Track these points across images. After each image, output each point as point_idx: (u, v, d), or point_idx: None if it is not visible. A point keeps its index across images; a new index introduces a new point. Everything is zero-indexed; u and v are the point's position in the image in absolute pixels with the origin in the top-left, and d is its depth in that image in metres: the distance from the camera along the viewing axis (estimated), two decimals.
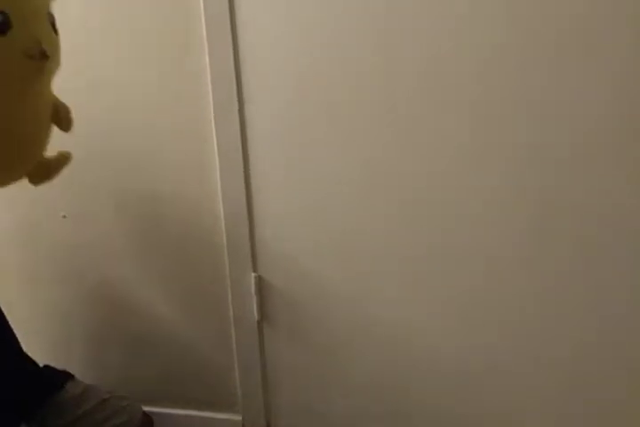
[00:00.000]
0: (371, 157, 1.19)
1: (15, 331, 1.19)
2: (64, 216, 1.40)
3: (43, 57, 0.86)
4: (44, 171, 1.02)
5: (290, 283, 1.30)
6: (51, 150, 1.04)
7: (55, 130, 1.03)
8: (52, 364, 1.27)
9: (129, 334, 1.43)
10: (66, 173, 1.07)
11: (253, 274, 1.31)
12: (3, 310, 1.15)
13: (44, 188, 1.07)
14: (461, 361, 1.23)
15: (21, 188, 1.33)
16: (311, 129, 1.22)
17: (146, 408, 1.34)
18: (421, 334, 1.24)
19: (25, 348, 1.21)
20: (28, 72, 0.87)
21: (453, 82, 1.12)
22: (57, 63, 0.94)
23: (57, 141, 1.03)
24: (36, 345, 1.17)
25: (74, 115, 1.03)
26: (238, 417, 1.40)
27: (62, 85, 1.01)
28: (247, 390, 1.38)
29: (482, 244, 1.17)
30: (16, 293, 1.47)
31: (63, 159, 1.04)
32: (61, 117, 1.00)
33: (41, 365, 1.22)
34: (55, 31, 0.93)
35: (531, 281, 1.16)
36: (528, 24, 1.06)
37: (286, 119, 1.22)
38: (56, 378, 1.15)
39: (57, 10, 0.96)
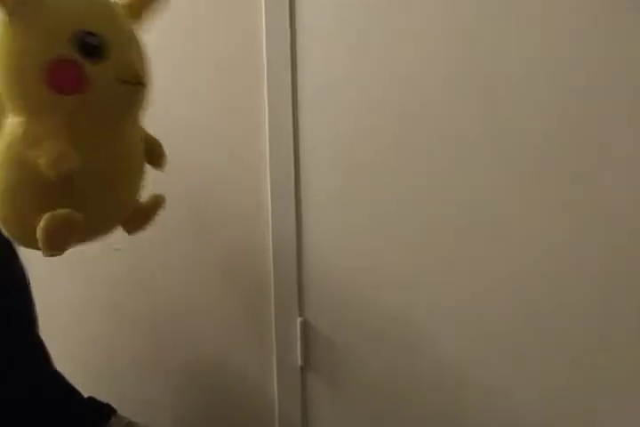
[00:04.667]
0: (430, 199, 1.22)
1: (62, 361, 1.19)
2: (117, 249, 1.42)
3: (138, 82, 0.78)
4: (140, 217, 0.91)
5: (335, 329, 1.31)
6: None
7: None
8: (96, 396, 1.28)
9: (172, 370, 1.44)
10: None
11: (299, 318, 1.31)
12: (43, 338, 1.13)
13: None
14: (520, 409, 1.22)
15: None
16: (364, 173, 1.25)
17: None
18: (472, 384, 1.24)
19: (70, 379, 1.21)
20: (121, 100, 0.79)
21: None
22: (148, 93, 0.83)
23: None
24: (81, 377, 1.18)
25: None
26: None
27: None
28: None
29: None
30: (66, 324, 1.48)
31: (157, 203, 0.92)
32: (154, 153, 0.90)
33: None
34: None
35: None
36: None
37: (341, 159, 1.26)
38: (101, 411, 1.14)
39: None
